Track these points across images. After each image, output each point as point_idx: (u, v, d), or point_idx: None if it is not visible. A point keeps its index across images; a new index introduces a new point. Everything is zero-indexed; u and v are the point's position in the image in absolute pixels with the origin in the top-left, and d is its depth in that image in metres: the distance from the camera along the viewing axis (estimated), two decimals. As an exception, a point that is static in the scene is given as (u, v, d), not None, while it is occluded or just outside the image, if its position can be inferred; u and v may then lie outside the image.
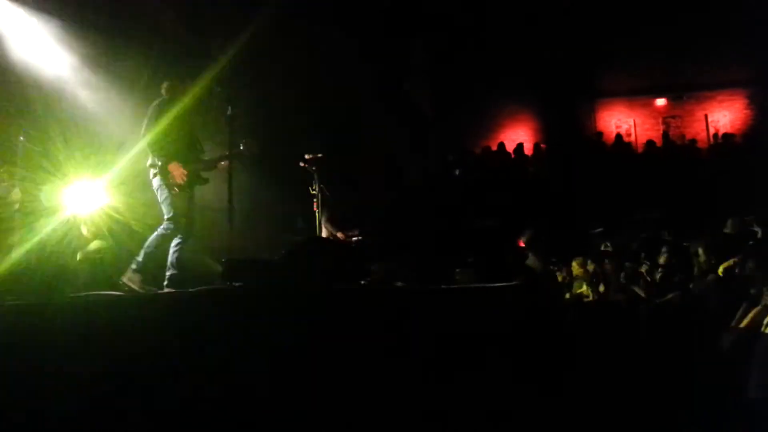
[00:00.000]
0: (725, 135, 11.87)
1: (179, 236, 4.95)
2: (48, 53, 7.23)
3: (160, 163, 4.88)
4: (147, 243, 4.92)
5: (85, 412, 3.24)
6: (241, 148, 5.10)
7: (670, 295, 5.33)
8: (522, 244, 6.81)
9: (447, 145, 11.65)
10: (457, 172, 10.55)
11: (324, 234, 6.41)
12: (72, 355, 3.27)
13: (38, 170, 6.33)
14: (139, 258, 4.88)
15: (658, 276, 5.67)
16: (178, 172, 4.84)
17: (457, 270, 5.61)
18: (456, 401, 3.52)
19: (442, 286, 4.46)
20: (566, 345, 4.18)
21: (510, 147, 11.63)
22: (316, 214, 6.06)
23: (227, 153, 5.09)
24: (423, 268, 5.75)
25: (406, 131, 9.82)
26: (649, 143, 11.69)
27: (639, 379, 4.41)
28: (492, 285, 4.42)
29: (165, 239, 4.91)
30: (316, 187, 6.06)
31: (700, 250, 5.48)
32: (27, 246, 5.83)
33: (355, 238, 6.73)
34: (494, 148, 11.75)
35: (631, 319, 5.29)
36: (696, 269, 5.53)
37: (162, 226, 4.94)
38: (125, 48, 7.27)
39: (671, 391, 4.26)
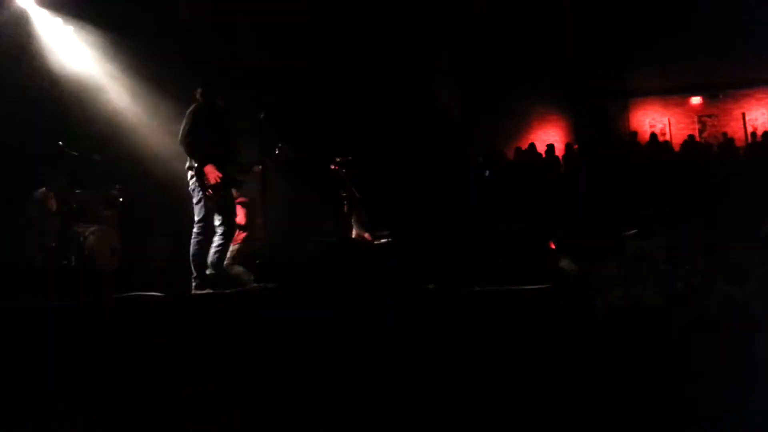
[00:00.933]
0: (764, 134, 11.54)
1: (220, 237, 5.02)
2: (86, 61, 7.43)
3: (196, 165, 4.95)
4: (191, 255, 4.98)
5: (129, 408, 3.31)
6: (277, 152, 5.16)
7: (708, 300, 5.19)
8: (554, 246, 6.71)
9: (477, 146, 11.57)
10: (487, 173, 10.47)
11: (353, 235, 6.44)
12: (115, 354, 3.34)
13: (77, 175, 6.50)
14: (193, 273, 4.96)
15: (696, 280, 5.53)
16: (213, 174, 4.90)
17: (488, 272, 5.56)
18: (486, 407, 3.49)
19: (475, 289, 4.42)
20: (599, 349, 4.10)
21: (541, 148, 11.50)
22: (346, 216, 6.10)
23: (262, 157, 5.15)
24: (453, 269, 5.71)
25: (435, 132, 9.80)
26: (686, 143, 11.43)
27: (672, 385, 4.30)
28: (525, 287, 4.37)
29: (202, 243, 4.97)
30: (346, 188, 6.09)
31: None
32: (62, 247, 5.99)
33: (384, 240, 6.73)
34: (525, 148, 11.63)
35: (667, 324, 5.16)
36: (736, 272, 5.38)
37: (194, 231, 5.00)
38: (160, 54, 7.41)
39: (705, 398, 4.15)
